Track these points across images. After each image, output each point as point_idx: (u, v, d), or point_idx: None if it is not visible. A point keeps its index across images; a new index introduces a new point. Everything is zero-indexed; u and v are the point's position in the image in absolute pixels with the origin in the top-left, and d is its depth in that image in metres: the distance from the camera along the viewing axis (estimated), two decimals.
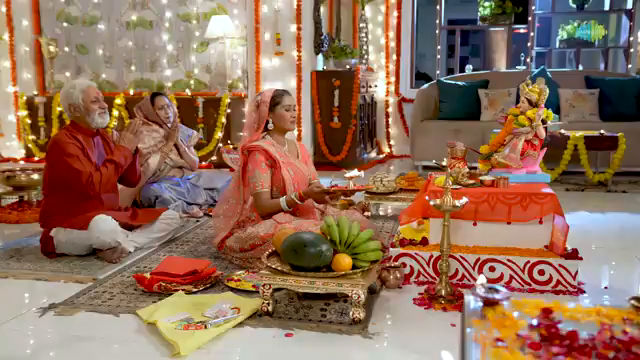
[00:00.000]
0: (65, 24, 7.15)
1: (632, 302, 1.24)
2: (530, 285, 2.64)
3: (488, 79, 6.70)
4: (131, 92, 6.80)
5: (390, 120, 7.60)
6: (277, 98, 3.13)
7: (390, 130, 7.61)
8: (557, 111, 6.15)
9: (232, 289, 2.62)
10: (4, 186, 4.18)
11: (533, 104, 3.05)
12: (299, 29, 6.18)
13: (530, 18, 7.21)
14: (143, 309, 2.38)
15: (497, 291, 1.32)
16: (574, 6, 7.34)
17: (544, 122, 3.02)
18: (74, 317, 2.35)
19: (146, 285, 2.58)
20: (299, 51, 6.22)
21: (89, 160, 3.10)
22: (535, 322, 1.18)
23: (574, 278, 2.61)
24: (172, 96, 6.50)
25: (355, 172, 3.35)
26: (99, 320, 2.32)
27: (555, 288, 2.61)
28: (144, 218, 3.36)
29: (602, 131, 5.13)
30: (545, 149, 3.06)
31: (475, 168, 3.15)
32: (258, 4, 6.26)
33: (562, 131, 5.25)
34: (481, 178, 2.87)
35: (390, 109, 7.59)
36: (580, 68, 7.61)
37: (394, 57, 7.44)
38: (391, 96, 7.55)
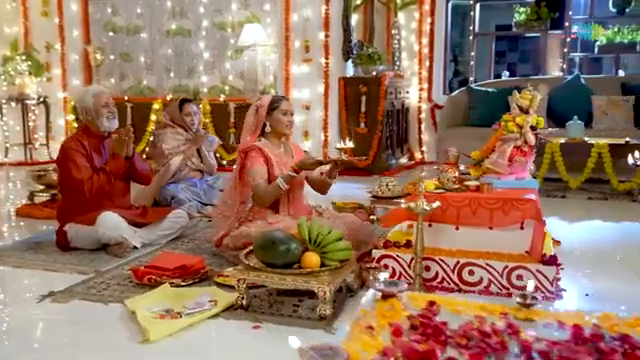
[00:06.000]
0: (111, 33, 7.56)
1: (517, 299, 1.30)
2: (508, 290, 2.64)
3: (520, 86, 6.60)
4: (168, 98, 7.09)
5: (423, 126, 7.60)
6: (275, 103, 3.28)
7: (422, 136, 7.62)
8: (589, 118, 6.00)
9: (219, 284, 2.77)
10: (36, 184, 4.50)
11: (524, 111, 3.07)
12: (327, 36, 6.31)
13: (567, 23, 7.08)
14: (130, 299, 2.55)
15: (396, 285, 1.40)
16: (614, 10, 7.13)
17: (534, 129, 3.03)
18: (68, 304, 2.55)
19: (138, 277, 2.77)
20: (327, 58, 6.35)
21: (91, 164, 3.32)
22: (414, 313, 1.26)
23: (552, 284, 2.61)
24: (206, 101, 6.77)
25: (347, 144, 3.38)
26: (88, 308, 2.52)
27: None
28: (153, 216, 3.56)
29: (627, 139, 5.00)
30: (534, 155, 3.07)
31: (468, 173, 3.19)
32: (288, 13, 6.43)
33: (586, 139, 5.14)
34: (466, 183, 2.91)
35: (423, 115, 7.59)
36: (622, 74, 7.38)
37: (427, 63, 7.45)
38: (424, 102, 7.56)
